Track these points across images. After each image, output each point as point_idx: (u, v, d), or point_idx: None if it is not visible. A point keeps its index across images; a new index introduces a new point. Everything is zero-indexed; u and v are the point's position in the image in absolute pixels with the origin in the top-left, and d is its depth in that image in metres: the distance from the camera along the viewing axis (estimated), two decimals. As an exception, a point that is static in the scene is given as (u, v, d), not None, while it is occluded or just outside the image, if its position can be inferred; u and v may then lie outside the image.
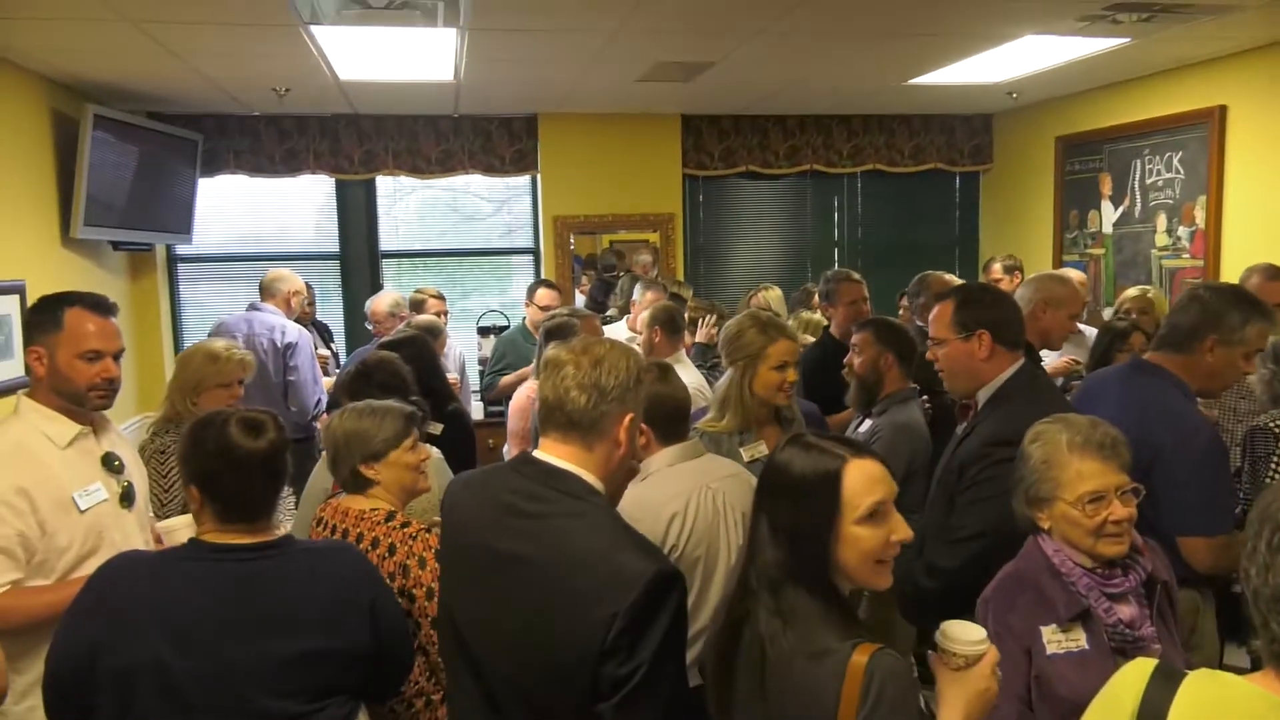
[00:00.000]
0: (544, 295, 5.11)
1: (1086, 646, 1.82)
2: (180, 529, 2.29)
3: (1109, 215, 5.79)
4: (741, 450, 2.70)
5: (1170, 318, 2.62)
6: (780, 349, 2.74)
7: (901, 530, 1.53)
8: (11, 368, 3.99)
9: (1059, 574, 1.87)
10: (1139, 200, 5.53)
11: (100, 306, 2.30)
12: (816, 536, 1.49)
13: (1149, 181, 5.44)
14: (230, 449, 1.80)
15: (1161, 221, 5.37)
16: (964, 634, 1.54)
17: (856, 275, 4.31)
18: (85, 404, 2.29)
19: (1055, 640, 1.83)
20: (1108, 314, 5.08)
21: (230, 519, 1.83)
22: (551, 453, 1.62)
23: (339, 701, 1.85)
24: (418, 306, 5.01)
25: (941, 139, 6.82)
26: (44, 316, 2.26)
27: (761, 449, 2.70)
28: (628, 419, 1.61)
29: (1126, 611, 1.85)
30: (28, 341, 2.28)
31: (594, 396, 1.59)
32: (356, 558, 1.99)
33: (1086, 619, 1.84)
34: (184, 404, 3.09)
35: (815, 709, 1.41)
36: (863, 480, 1.51)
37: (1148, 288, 4.57)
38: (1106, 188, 5.78)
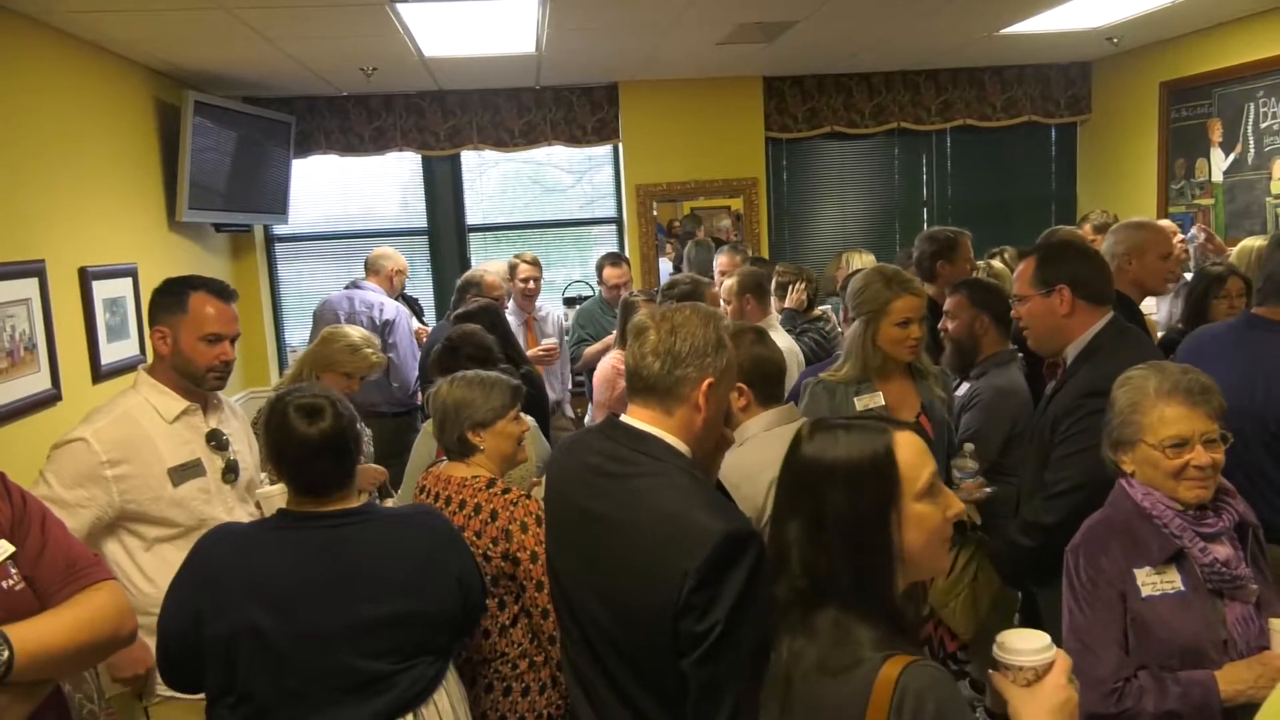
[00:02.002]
0: (610, 274, 5.10)
1: (1183, 588, 1.80)
2: (276, 495, 2.41)
3: (1219, 163, 5.50)
4: (855, 399, 2.70)
5: (1266, 267, 2.51)
6: (904, 304, 2.70)
7: (955, 505, 1.39)
8: (127, 347, 4.19)
9: (1149, 517, 1.85)
10: (1253, 145, 5.24)
11: (222, 292, 2.43)
12: (880, 522, 1.32)
13: (1264, 125, 5.14)
14: (288, 434, 1.88)
15: (1277, 167, 5.07)
16: (1026, 643, 1.35)
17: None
18: (203, 384, 2.42)
19: (1150, 582, 1.81)
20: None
21: (300, 493, 1.91)
22: (636, 417, 1.66)
23: (427, 661, 1.92)
24: (513, 270, 5.09)
25: (1036, 90, 6.57)
26: (170, 299, 2.39)
27: (878, 399, 2.70)
28: (706, 384, 1.61)
29: (1222, 551, 1.82)
30: (152, 321, 2.41)
31: (668, 362, 1.62)
32: (439, 523, 2.04)
33: (1180, 560, 1.82)
34: (309, 374, 3.24)
35: None
36: (915, 452, 1.36)
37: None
38: (1216, 134, 5.49)
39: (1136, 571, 1.82)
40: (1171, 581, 1.81)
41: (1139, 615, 1.80)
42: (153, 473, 2.30)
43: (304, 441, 1.87)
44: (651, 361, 1.64)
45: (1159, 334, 4.07)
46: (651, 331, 1.65)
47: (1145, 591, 1.80)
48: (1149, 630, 1.79)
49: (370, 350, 3.33)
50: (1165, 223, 4.34)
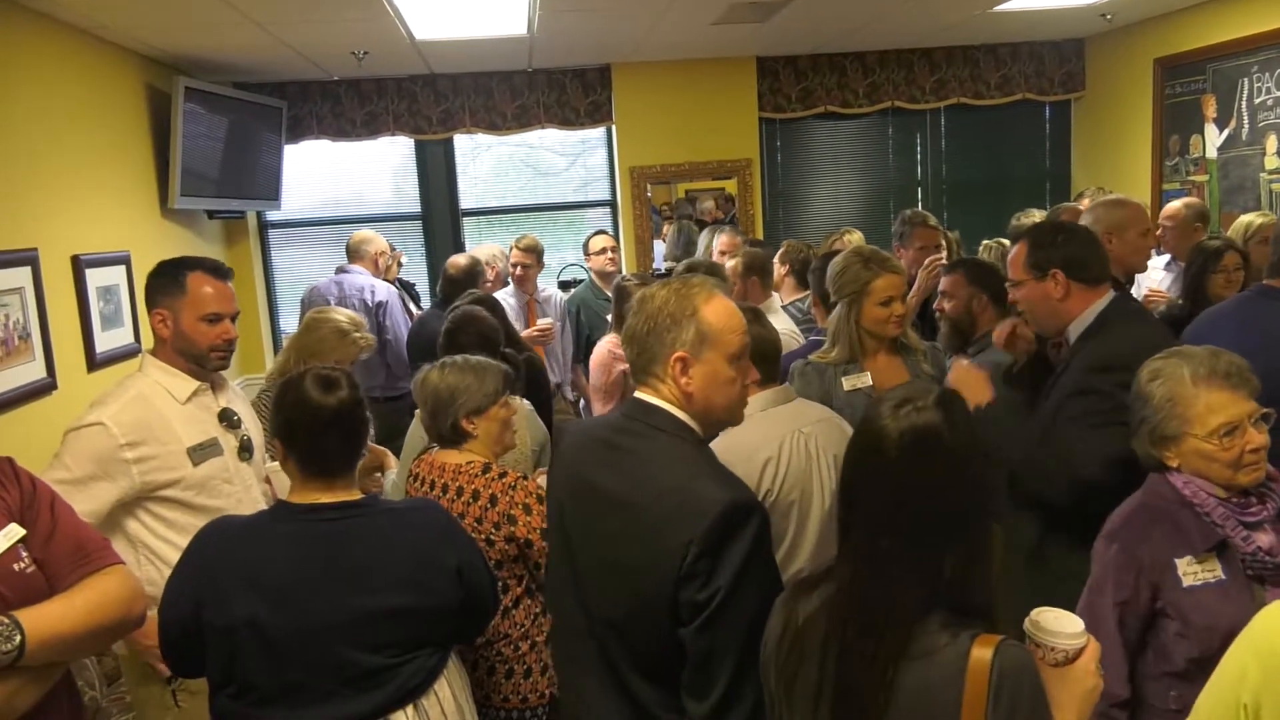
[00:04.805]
0: (596, 240, 5.13)
1: (1224, 576, 1.77)
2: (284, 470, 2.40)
3: (1213, 139, 5.49)
4: (843, 380, 2.72)
5: None
6: (885, 284, 2.72)
7: None
8: (121, 335, 4.19)
9: (1191, 505, 1.81)
10: (1246, 121, 5.23)
11: (218, 271, 2.42)
12: (987, 487, 1.37)
13: (1258, 101, 5.13)
14: (303, 403, 1.87)
15: (1272, 143, 5.07)
16: (1061, 625, 1.37)
17: (933, 221, 4.24)
18: (206, 364, 2.41)
19: (1191, 572, 1.77)
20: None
21: (308, 473, 1.90)
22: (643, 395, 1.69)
23: (427, 653, 1.92)
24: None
25: (1030, 67, 6.55)
26: (167, 281, 2.37)
27: (865, 379, 2.71)
28: (674, 359, 1.61)
29: (1264, 539, 1.79)
30: (151, 305, 2.39)
31: (636, 346, 1.65)
32: (439, 516, 2.03)
33: (1222, 549, 1.79)
34: (297, 365, 3.21)
35: (930, 715, 1.26)
36: None
37: (1267, 214, 4.32)
38: (1210, 110, 5.48)
39: (1178, 561, 1.78)
40: (1213, 570, 1.77)
41: (1177, 605, 1.76)
42: (172, 452, 2.30)
43: (320, 410, 1.86)
44: (628, 349, 1.67)
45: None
46: (631, 315, 1.68)
47: (1186, 581, 1.76)
48: (1188, 619, 1.75)
49: (359, 334, 3.26)
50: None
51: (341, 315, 3.32)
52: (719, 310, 1.64)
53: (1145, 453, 1.90)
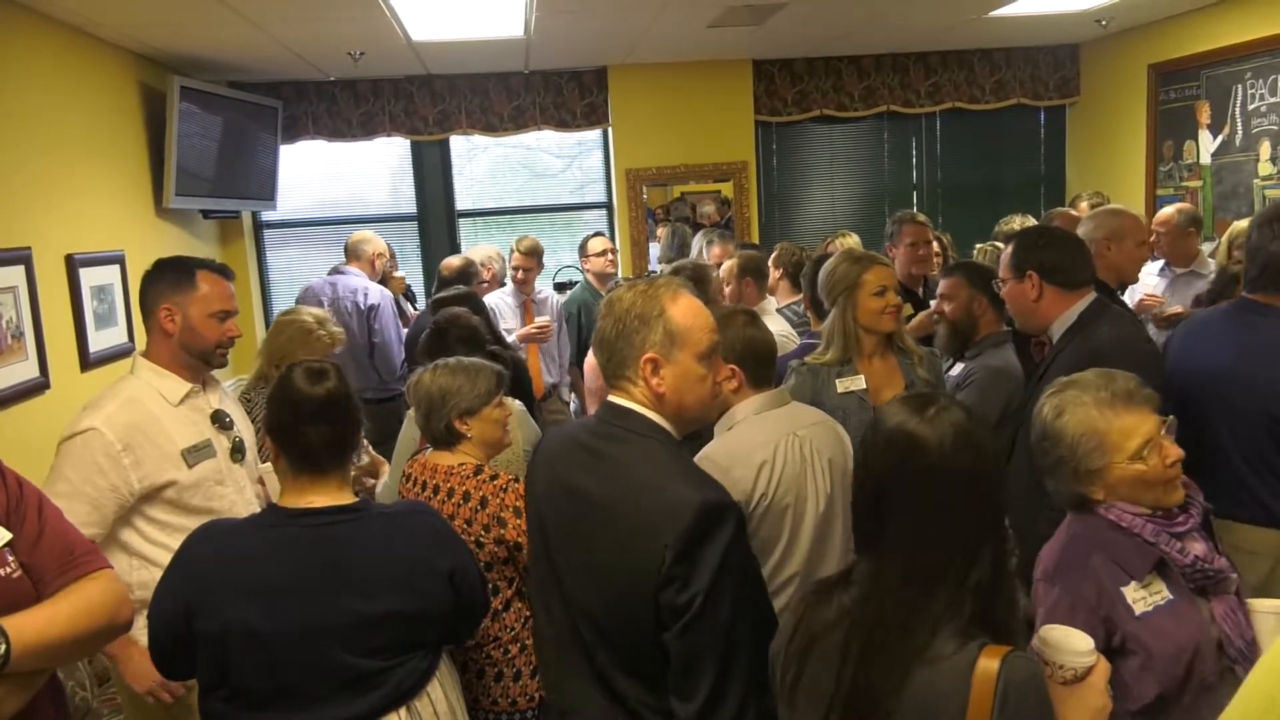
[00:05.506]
0: (595, 242, 5.14)
1: (1171, 596, 1.69)
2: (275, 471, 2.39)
3: (1207, 145, 5.51)
4: (837, 381, 2.72)
5: (1260, 256, 2.47)
6: (876, 274, 2.75)
7: None
8: (115, 335, 4.17)
9: (1121, 529, 1.73)
10: (1240, 127, 5.25)
11: (224, 271, 2.45)
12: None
13: (1251, 107, 5.15)
14: (291, 394, 1.87)
15: (1265, 149, 5.09)
16: (1071, 643, 1.35)
17: (922, 218, 4.26)
18: (212, 360, 2.42)
19: (1140, 598, 1.69)
20: (1207, 248, 4.87)
21: (299, 469, 1.88)
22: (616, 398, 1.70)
23: (420, 655, 1.91)
24: (511, 254, 5.11)
25: (1025, 72, 6.57)
26: (178, 276, 2.37)
27: (859, 382, 2.71)
28: (644, 360, 1.61)
29: (1198, 548, 1.73)
30: (156, 300, 2.36)
31: (606, 350, 1.65)
32: (432, 520, 2.01)
33: (1162, 568, 1.71)
34: (270, 368, 3.20)
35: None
36: None
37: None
38: (1204, 116, 5.50)
39: (1124, 590, 1.69)
40: (1159, 592, 1.69)
41: (1136, 636, 1.67)
42: (166, 455, 2.28)
43: (307, 400, 1.85)
44: (598, 352, 1.68)
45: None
46: (600, 319, 1.69)
47: (1139, 609, 1.67)
48: (1150, 650, 1.66)
49: (324, 331, 3.24)
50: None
51: (307, 314, 3.32)
52: (686, 309, 1.64)
53: (1070, 492, 1.80)
